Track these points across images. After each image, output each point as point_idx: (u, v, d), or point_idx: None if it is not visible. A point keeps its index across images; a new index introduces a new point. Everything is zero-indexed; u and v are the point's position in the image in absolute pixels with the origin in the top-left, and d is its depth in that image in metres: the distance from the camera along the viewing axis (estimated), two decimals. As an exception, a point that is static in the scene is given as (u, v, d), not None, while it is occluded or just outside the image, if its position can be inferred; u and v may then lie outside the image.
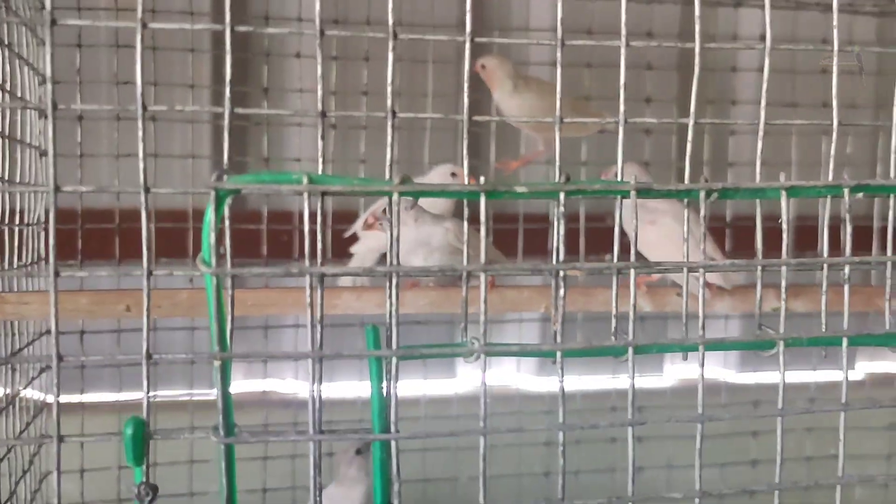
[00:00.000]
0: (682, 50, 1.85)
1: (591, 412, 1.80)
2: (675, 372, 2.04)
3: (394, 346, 0.61)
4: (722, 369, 2.04)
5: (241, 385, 1.77)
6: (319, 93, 0.62)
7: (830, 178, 0.68)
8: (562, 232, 0.63)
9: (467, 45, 0.62)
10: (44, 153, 1.37)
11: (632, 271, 0.64)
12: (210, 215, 0.58)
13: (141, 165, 0.60)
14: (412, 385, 1.80)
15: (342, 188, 0.59)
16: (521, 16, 1.75)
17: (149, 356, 0.60)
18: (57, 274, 0.59)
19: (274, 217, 1.64)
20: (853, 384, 2.03)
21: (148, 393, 0.61)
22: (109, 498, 1.54)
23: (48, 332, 1.42)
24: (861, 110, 1.74)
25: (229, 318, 0.60)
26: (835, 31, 0.68)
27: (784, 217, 0.65)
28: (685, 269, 0.65)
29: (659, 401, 1.92)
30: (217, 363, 0.59)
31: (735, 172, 1.83)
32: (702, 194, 0.64)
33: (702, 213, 0.64)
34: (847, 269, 0.67)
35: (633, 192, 0.62)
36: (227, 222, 0.61)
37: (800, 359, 1.87)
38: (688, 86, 1.93)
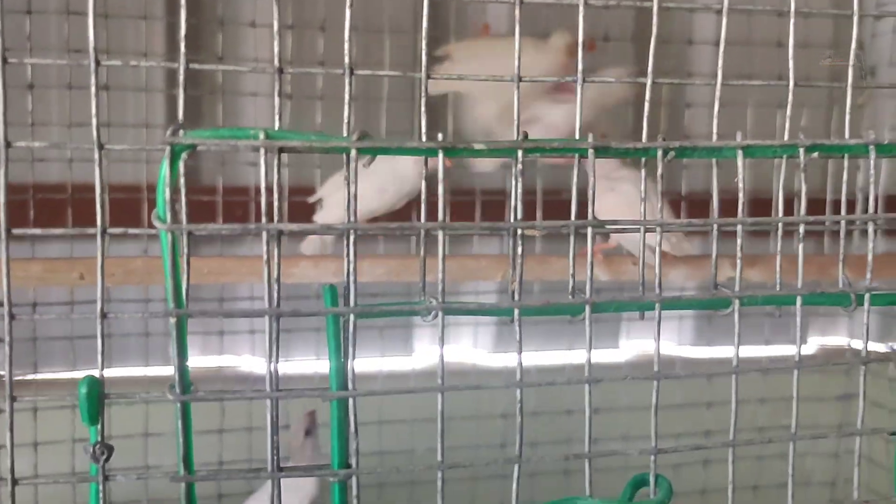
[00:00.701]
0: (638, 20, 1.87)
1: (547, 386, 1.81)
2: (631, 346, 2.06)
3: (351, 303, 0.60)
4: (676, 346, 2.06)
5: (197, 360, 1.76)
6: (276, 48, 0.62)
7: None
8: (520, 190, 0.62)
9: (425, 16, 0.62)
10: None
11: (589, 230, 0.64)
12: (165, 171, 0.58)
13: (94, 122, 0.59)
14: (369, 362, 1.80)
15: (299, 144, 0.59)
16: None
17: (103, 314, 0.59)
18: (8, 231, 0.58)
19: (230, 191, 1.62)
20: (805, 357, 2.05)
21: (103, 352, 0.60)
22: (64, 471, 1.52)
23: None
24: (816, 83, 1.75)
25: (185, 276, 0.60)
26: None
27: (739, 176, 0.65)
28: (642, 229, 0.65)
29: (615, 374, 1.93)
30: (173, 320, 0.58)
31: (691, 114, 1.84)
32: (659, 153, 0.64)
33: (658, 171, 0.64)
34: (801, 230, 0.67)
35: (590, 151, 0.63)
36: (182, 179, 0.60)
37: (753, 332, 1.89)
38: (644, 57, 1.93)
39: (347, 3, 0.62)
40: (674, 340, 2.06)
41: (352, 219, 0.60)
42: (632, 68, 1.43)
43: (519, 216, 0.63)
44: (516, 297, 0.63)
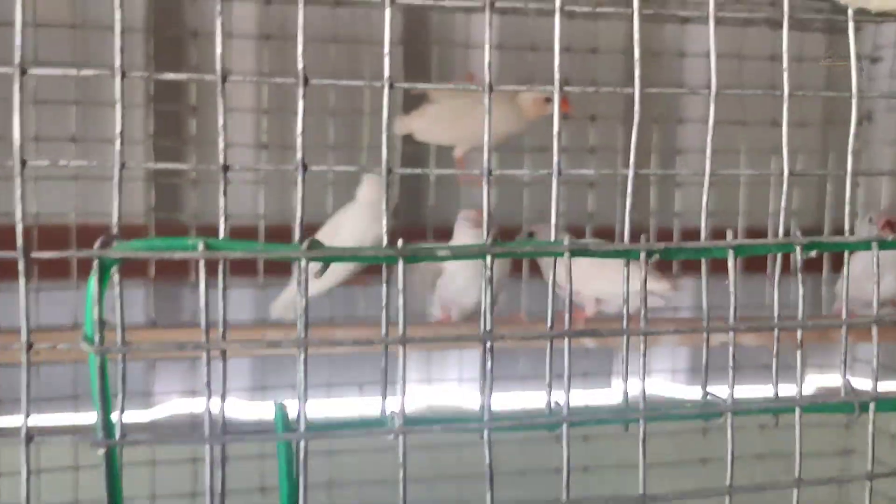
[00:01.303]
0: (628, 33, 1.81)
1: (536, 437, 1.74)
2: (622, 387, 1.98)
3: (302, 427, 0.55)
4: (671, 384, 1.99)
5: (173, 406, 1.69)
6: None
7: (780, 230, 0.63)
8: (490, 298, 0.57)
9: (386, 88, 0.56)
10: None
11: (566, 340, 0.58)
12: (93, 286, 0.52)
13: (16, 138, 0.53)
14: (347, 403, 1.72)
15: (244, 254, 0.53)
16: (463, 32, 1.69)
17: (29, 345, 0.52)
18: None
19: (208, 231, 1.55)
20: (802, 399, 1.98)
21: (28, 387, 0.53)
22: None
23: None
24: (810, 128, 1.71)
25: (119, 399, 0.54)
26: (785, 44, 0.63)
27: (731, 278, 0.59)
28: (625, 337, 0.59)
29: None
30: (101, 451, 0.52)
31: (684, 160, 1.79)
32: (642, 255, 0.58)
33: (643, 274, 0.58)
34: (799, 334, 0.62)
35: (566, 254, 0.57)
36: (118, 289, 0.54)
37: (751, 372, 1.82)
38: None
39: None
40: (667, 375, 1.98)
41: (303, 334, 0.54)
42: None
43: (489, 326, 0.57)
44: (486, 415, 0.57)
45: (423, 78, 1.60)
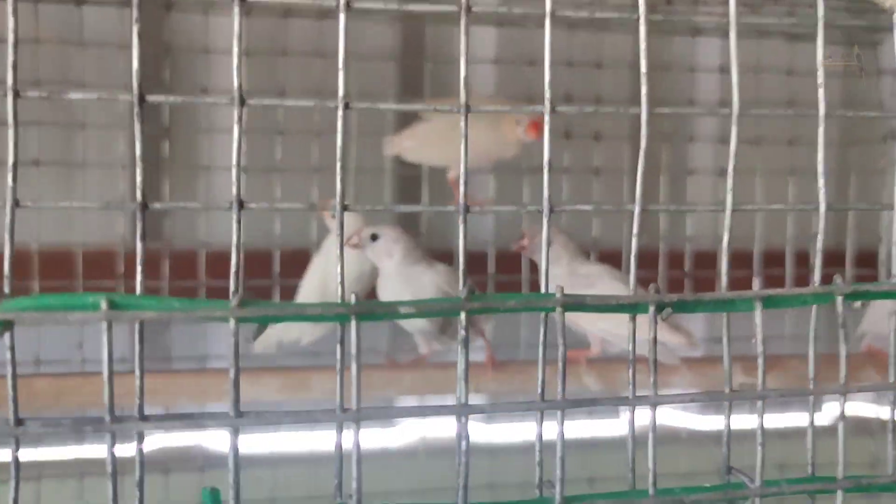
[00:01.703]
0: (636, 47, 1.71)
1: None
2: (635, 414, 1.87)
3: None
4: (682, 413, 1.88)
5: (164, 439, 1.59)
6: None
7: (817, 275, 0.53)
8: (466, 362, 0.47)
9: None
10: None
11: (559, 412, 0.48)
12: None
13: None
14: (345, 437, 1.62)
15: (158, 315, 0.43)
16: (458, 48, 1.59)
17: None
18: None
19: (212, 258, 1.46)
20: (820, 430, 1.87)
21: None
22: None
23: None
24: (828, 148, 1.60)
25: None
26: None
27: (758, 337, 0.49)
28: (631, 409, 0.49)
29: (616, 451, 1.74)
30: None
31: (694, 181, 1.68)
32: (651, 309, 0.48)
33: (652, 334, 0.48)
34: (842, 402, 0.51)
35: (559, 308, 0.47)
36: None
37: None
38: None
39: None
40: (679, 407, 1.88)
41: (233, 413, 0.44)
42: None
43: (463, 398, 0.47)
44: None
45: (418, 94, 1.50)
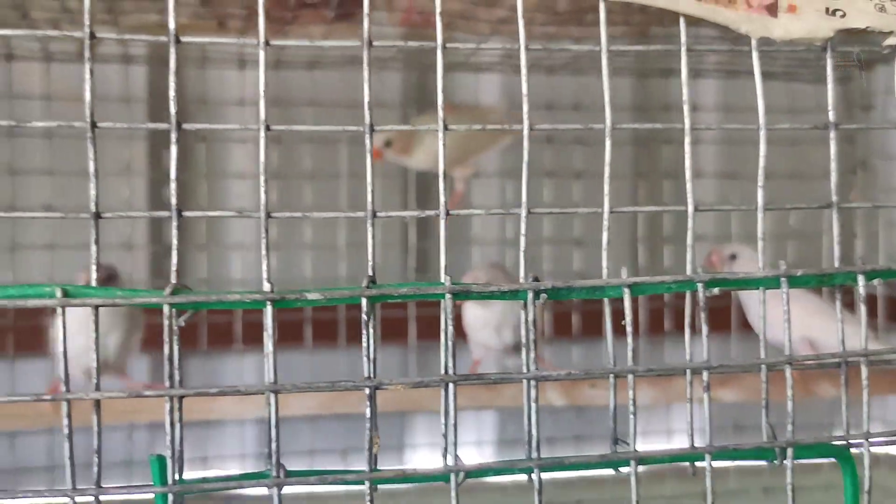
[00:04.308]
0: (635, 89, 1.80)
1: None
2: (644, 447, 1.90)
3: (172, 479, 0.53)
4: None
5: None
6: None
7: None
8: (371, 342, 0.55)
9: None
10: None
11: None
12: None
13: None
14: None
15: (104, 300, 0.52)
16: (469, 93, 1.69)
17: None
18: None
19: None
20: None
21: None
22: None
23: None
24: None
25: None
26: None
27: (627, 317, 0.56)
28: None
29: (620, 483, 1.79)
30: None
31: (699, 184, 1.75)
32: (530, 296, 0.56)
33: (531, 316, 0.56)
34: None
35: (448, 296, 0.55)
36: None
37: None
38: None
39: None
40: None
41: (173, 384, 0.53)
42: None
43: (371, 373, 0.55)
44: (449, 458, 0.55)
45: (425, 103, 1.60)
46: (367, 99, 0.54)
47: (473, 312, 1.27)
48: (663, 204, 1.68)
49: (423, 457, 1.75)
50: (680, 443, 1.85)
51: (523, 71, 0.56)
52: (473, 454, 1.81)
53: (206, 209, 1.53)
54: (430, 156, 1.36)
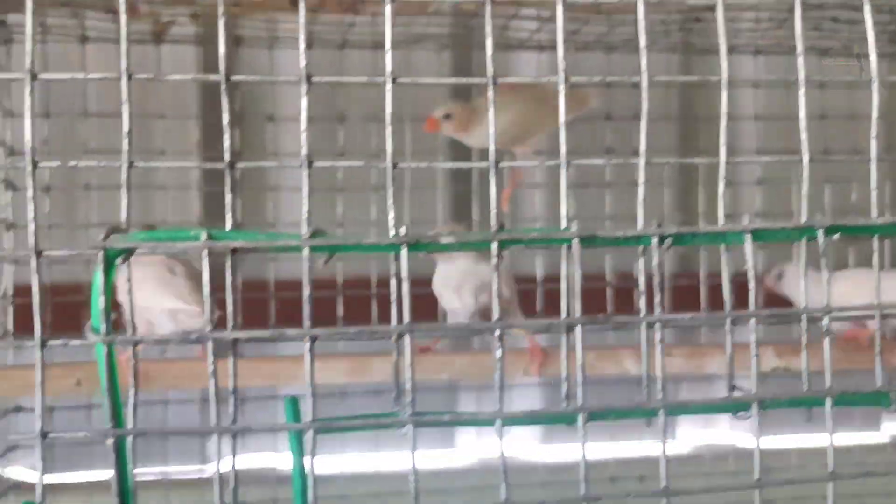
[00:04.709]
0: (682, 98, 1.81)
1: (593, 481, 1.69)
2: (688, 437, 1.90)
3: (310, 417, 0.54)
4: (731, 431, 1.91)
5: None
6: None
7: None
8: (497, 284, 0.56)
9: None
10: (10, 226, 1.33)
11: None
12: (99, 278, 0.52)
13: (31, 227, 0.54)
14: (397, 457, 1.67)
15: (246, 243, 0.53)
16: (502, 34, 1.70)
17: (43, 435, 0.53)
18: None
19: (281, 285, 1.58)
20: (873, 447, 1.90)
21: (43, 473, 0.54)
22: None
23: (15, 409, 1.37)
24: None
25: (132, 390, 0.54)
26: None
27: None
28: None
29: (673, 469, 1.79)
30: (110, 441, 0.52)
31: (734, 192, 1.76)
32: (654, 241, 0.57)
33: (654, 260, 0.57)
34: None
35: (575, 241, 0.56)
36: (128, 283, 0.55)
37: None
38: (689, 136, 1.84)
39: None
40: (728, 423, 1.91)
41: (308, 324, 0.54)
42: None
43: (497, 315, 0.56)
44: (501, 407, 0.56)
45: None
46: (388, 45, 0.55)
47: (439, 272, 1.22)
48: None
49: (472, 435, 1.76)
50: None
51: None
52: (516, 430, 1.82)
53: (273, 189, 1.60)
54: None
